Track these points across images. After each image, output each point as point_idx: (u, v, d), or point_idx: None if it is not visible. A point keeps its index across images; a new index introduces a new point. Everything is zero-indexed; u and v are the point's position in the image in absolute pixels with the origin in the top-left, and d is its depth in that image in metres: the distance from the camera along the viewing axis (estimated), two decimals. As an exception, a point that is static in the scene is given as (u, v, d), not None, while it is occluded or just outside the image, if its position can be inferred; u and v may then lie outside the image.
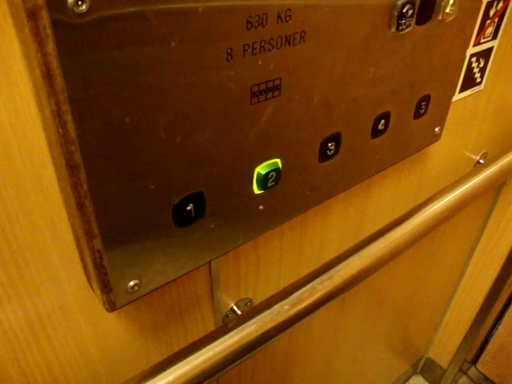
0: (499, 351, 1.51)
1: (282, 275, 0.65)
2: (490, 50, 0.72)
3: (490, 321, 1.44)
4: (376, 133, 0.55)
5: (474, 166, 0.93)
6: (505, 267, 1.23)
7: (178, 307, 0.53)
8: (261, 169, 0.44)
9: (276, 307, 0.53)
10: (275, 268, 0.63)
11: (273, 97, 0.41)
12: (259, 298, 0.63)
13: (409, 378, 1.62)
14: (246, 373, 0.74)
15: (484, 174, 0.81)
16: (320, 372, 1.01)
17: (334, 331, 0.93)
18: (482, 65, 0.73)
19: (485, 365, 1.58)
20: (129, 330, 0.49)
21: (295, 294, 0.55)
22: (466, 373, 1.63)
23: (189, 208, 0.40)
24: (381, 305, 1.05)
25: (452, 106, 0.70)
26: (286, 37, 0.38)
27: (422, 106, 0.59)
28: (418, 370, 1.63)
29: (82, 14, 0.27)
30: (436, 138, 0.68)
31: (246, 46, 0.36)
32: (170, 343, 0.55)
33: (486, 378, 1.60)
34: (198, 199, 0.40)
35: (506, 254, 1.20)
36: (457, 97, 0.72)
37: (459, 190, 0.76)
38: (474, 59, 0.70)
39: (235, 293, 0.59)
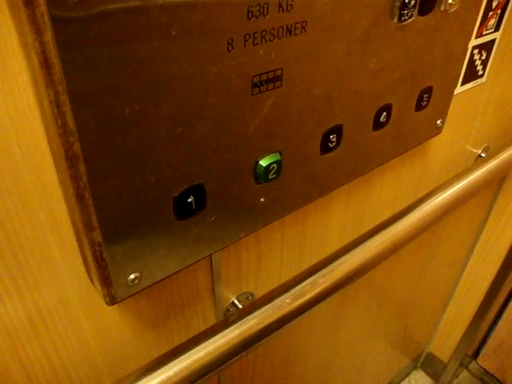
0: (500, 346, 1.51)
1: (284, 269, 0.65)
2: (492, 42, 0.72)
3: (490, 315, 1.43)
4: (378, 125, 0.54)
5: (476, 159, 0.93)
6: (506, 261, 1.23)
7: (179, 301, 0.52)
8: (262, 161, 0.43)
9: (277, 301, 0.53)
10: (277, 261, 0.62)
11: (274, 88, 0.40)
12: (260, 291, 0.63)
13: (410, 373, 1.62)
14: (248, 367, 0.74)
15: (485, 168, 0.80)
16: (321, 366, 1.00)
17: (334, 325, 0.93)
18: (484, 57, 0.73)
19: (485, 359, 1.59)
20: (129, 324, 0.49)
21: (297, 288, 0.55)
22: (466, 367, 1.63)
23: (189, 200, 0.40)
24: (382, 299, 1.04)
25: (454, 98, 0.70)
26: (287, 27, 0.38)
27: (423, 99, 0.59)
28: (419, 365, 1.63)
29: (80, 2, 0.26)
30: (438, 130, 0.68)
31: (247, 36, 0.36)
32: (171, 337, 0.55)
33: (486, 373, 1.60)
34: (198, 191, 0.40)
35: (508, 248, 1.20)
36: (458, 89, 0.72)
37: (460, 184, 0.76)
38: (476, 51, 0.70)
39: (236, 286, 0.59)
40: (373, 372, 1.34)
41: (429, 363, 1.61)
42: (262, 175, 0.44)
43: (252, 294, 0.62)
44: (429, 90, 0.59)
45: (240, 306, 0.60)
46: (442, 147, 0.80)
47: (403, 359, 1.52)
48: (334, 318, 0.90)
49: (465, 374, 1.63)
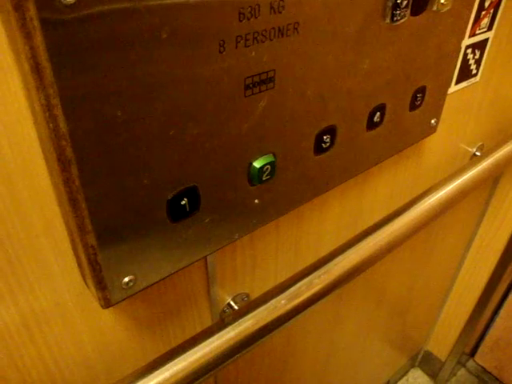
0: (497, 343, 1.51)
1: (279, 269, 0.65)
2: (485, 41, 0.72)
3: (487, 313, 1.44)
4: (372, 125, 0.54)
5: (471, 158, 0.93)
6: (502, 259, 1.23)
7: (175, 303, 0.52)
8: (255, 162, 0.43)
9: (273, 302, 0.53)
10: (272, 262, 0.62)
11: (267, 89, 0.40)
12: (256, 292, 0.63)
13: (407, 371, 1.62)
14: (244, 367, 0.74)
15: (480, 167, 0.81)
16: (318, 366, 1.01)
17: (331, 325, 0.93)
18: (477, 56, 0.73)
19: (483, 357, 1.59)
20: (125, 327, 0.49)
21: (292, 289, 0.55)
22: (464, 365, 1.63)
23: (183, 203, 0.40)
24: (379, 298, 1.05)
25: (448, 98, 0.70)
26: (279, 28, 0.38)
27: (417, 98, 0.59)
28: (417, 363, 1.64)
29: (70, 5, 0.26)
30: (432, 130, 0.68)
31: (239, 38, 0.36)
32: (167, 339, 0.55)
33: (484, 370, 1.60)
34: (192, 194, 0.40)
35: (504, 246, 1.20)
36: (453, 89, 0.72)
37: (456, 183, 0.76)
38: (469, 50, 0.70)
39: (232, 288, 0.59)
40: (371, 371, 1.34)
41: (426, 361, 1.61)
42: (255, 177, 0.44)
43: (248, 295, 0.62)
44: (422, 90, 0.59)
45: (236, 307, 0.60)
46: (437, 146, 0.80)
47: (401, 358, 1.52)
48: (330, 318, 0.90)
49: (462, 371, 1.63)
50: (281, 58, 0.40)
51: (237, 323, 0.51)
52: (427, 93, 0.60)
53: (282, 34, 0.38)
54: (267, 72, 0.39)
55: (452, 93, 0.72)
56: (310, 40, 0.41)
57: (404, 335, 1.39)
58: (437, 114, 0.66)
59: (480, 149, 0.93)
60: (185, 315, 0.55)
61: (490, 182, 1.10)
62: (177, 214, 0.40)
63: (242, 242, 0.55)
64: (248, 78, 0.38)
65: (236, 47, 0.36)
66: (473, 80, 0.76)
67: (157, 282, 0.43)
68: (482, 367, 1.60)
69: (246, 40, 0.36)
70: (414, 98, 0.58)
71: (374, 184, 0.71)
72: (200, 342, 0.49)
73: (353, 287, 0.89)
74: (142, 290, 0.42)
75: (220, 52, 0.35)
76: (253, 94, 0.39)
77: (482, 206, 1.16)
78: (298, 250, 0.65)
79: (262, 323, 0.52)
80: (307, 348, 0.89)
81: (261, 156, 0.44)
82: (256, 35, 0.36)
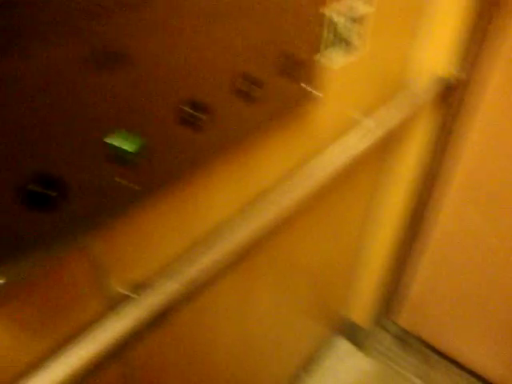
0: (415, 304, 1.59)
1: (170, 251, 0.62)
2: (365, 15, 0.74)
3: (403, 276, 1.51)
4: (243, 95, 0.53)
5: (359, 126, 0.95)
6: (405, 219, 1.30)
7: (61, 298, 0.49)
8: (117, 142, 0.42)
9: (164, 286, 0.52)
10: (161, 244, 0.59)
11: (119, 65, 0.39)
12: (147, 277, 0.60)
13: (332, 342, 1.66)
14: (155, 356, 0.72)
15: (371, 135, 0.84)
16: (236, 346, 1.00)
17: (244, 303, 0.93)
18: (359, 28, 0.75)
19: (403, 319, 1.66)
20: (8, 332, 0.46)
21: (183, 271, 0.54)
22: (386, 329, 1.70)
23: (42, 190, 0.37)
24: (289, 270, 1.05)
25: (334, 70, 0.71)
26: (127, 1, 0.36)
27: (287, 66, 0.58)
28: (340, 333, 1.68)
29: None
30: (313, 99, 0.68)
31: (85, 11, 0.34)
32: (61, 334, 0.51)
33: (405, 331, 1.68)
34: (51, 180, 0.38)
35: (403, 205, 1.26)
36: (338, 60, 0.73)
37: (349, 152, 0.79)
38: (348, 22, 0.71)
39: (121, 274, 0.56)
40: (293, 345, 1.37)
41: (349, 330, 1.66)
42: (120, 157, 0.42)
43: (138, 282, 0.59)
44: (290, 56, 0.57)
45: (127, 294, 0.58)
46: (325, 116, 0.81)
47: (323, 329, 1.56)
48: (242, 296, 0.90)
49: (384, 335, 1.70)
50: (132, 32, 0.38)
51: (129, 311, 0.50)
52: (297, 60, 0.59)
53: (132, 7, 0.37)
54: (118, 47, 0.38)
55: (338, 64, 0.74)
56: (161, 12, 0.40)
57: (322, 306, 1.43)
58: (313, 82, 0.66)
59: (368, 117, 0.96)
60: (74, 310, 0.52)
61: (381, 148, 1.15)
62: (37, 202, 0.37)
63: (125, 226, 0.53)
64: (97, 53, 0.36)
65: (84, 21, 0.34)
66: (356, 51, 0.78)
67: (33, 278, 0.41)
68: (403, 328, 1.68)
69: (94, 14, 0.34)
70: (283, 65, 0.57)
71: (260, 155, 0.70)
72: (92, 333, 0.48)
73: (260, 261, 0.89)
74: (17, 288, 0.40)
75: (65, 27, 0.33)
76: (104, 69, 0.38)
77: (376, 170, 1.21)
78: (186, 228, 0.63)
79: (154, 310, 0.51)
80: (220, 329, 0.89)
81: (126, 136, 0.42)
82: (104, 9, 0.35)
